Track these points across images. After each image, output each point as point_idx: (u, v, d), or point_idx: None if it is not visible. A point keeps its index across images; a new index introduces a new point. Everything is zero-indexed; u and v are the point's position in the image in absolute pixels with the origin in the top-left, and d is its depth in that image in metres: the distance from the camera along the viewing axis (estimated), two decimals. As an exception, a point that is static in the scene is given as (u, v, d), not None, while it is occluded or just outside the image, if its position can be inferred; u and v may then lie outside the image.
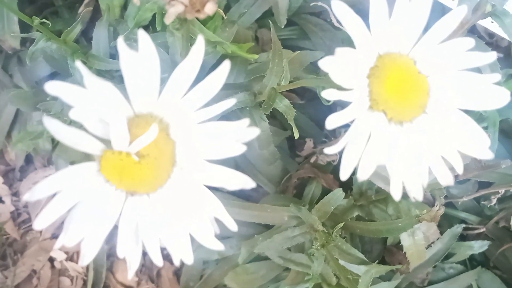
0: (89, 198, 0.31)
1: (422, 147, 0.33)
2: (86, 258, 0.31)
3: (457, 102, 0.33)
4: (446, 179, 0.32)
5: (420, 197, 0.32)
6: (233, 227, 0.31)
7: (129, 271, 0.31)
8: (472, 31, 0.76)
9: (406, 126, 0.33)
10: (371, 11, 0.31)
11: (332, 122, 0.30)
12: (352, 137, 0.31)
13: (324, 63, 0.30)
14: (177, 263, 0.31)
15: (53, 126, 0.27)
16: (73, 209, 0.30)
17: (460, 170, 0.32)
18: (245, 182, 0.30)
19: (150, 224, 0.31)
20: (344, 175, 0.31)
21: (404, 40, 0.32)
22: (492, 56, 0.32)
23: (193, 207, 0.31)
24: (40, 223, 0.29)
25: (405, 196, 0.63)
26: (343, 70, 0.30)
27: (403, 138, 0.33)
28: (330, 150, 0.31)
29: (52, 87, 0.28)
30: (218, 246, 0.31)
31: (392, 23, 0.32)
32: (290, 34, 0.75)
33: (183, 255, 0.31)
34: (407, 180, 0.32)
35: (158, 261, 0.31)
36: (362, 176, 0.31)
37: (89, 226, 0.30)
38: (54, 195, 0.30)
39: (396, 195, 0.32)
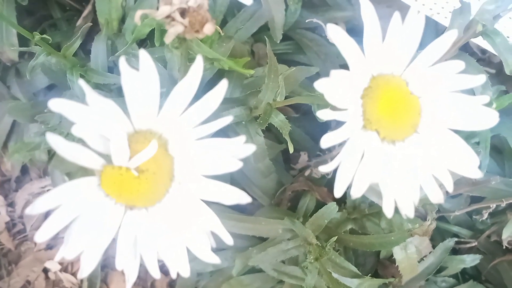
0: (89, 211, 0.31)
1: (414, 165, 0.34)
2: (86, 270, 0.31)
3: (448, 123, 0.34)
4: (437, 197, 0.33)
5: (411, 214, 0.33)
6: (229, 241, 0.31)
7: (127, 284, 0.32)
8: (465, 47, 0.77)
9: (399, 145, 0.34)
10: (365, 34, 0.32)
11: (327, 141, 0.31)
12: (346, 156, 0.32)
13: (320, 85, 0.30)
14: (174, 275, 0.32)
15: (55, 141, 0.28)
16: (73, 222, 0.31)
17: (450, 188, 0.33)
18: (241, 197, 0.31)
19: (148, 237, 0.32)
20: (338, 193, 0.32)
21: (397, 62, 0.33)
22: (481, 78, 0.33)
23: (190, 221, 0.32)
24: (41, 236, 0.30)
25: (397, 210, 0.64)
26: (337, 91, 0.31)
27: (395, 157, 0.33)
28: (324, 168, 0.32)
29: (55, 104, 0.28)
30: (214, 259, 0.32)
31: (385, 45, 0.33)
32: (285, 48, 0.77)
33: (180, 268, 0.32)
34: (399, 198, 0.33)
35: (156, 273, 0.32)
36: (356, 193, 0.32)
37: (89, 239, 0.31)
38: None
39: (389, 213, 0.32)
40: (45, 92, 0.73)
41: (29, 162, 0.77)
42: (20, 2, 0.64)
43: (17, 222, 0.82)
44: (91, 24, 0.62)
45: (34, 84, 0.71)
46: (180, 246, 0.32)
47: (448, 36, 0.32)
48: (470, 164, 0.34)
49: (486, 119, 0.34)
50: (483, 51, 0.80)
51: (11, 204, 0.82)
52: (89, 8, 0.72)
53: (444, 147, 0.34)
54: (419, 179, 0.33)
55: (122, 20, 0.68)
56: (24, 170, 0.82)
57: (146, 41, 0.66)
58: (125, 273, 0.32)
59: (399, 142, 0.34)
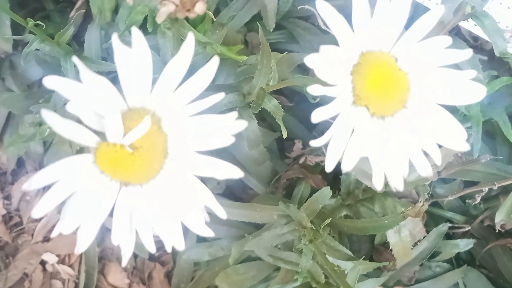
0: (85, 188, 0.32)
1: (403, 139, 0.34)
2: (82, 245, 0.32)
3: (436, 97, 0.35)
4: (425, 170, 0.34)
5: (400, 188, 0.33)
6: (222, 215, 0.32)
7: (123, 259, 0.32)
8: (458, 34, 0.78)
9: (388, 120, 0.35)
10: (353, 11, 0.33)
11: (317, 115, 0.32)
12: (336, 131, 0.33)
13: (310, 60, 0.31)
14: (169, 249, 0.32)
15: (51, 118, 0.29)
16: (70, 198, 0.32)
17: (438, 161, 0.34)
18: (234, 172, 0.31)
19: (143, 213, 0.33)
20: (329, 167, 0.33)
21: (385, 39, 0.34)
22: (468, 53, 0.33)
23: (184, 196, 0.32)
24: (38, 211, 0.30)
25: (391, 194, 0.65)
26: (327, 67, 0.32)
27: (384, 132, 0.34)
28: (315, 142, 0.32)
29: (50, 81, 0.29)
30: (209, 232, 0.32)
31: (373, 23, 0.33)
32: (278, 37, 0.77)
33: (175, 242, 0.32)
34: (388, 172, 0.33)
35: (151, 248, 0.33)
36: (346, 167, 0.33)
37: (85, 215, 0.32)
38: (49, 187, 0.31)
39: (378, 186, 0.33)
40: (39, 84, 0.73)
41: (24, 155, 0.77)
42: (12, -6, 0.64)
43: (14, 215, 0.82)
44: (84, 11, 0.62)
45: (28, 76, 0.71)
46: (175, 221, 0.32)
47: (434, 11, 0.33)
48: (458, 137, 0.34)
49: (474, 93, 0.34)
50: (475, 39, 0.81)
51: (7, 197, 0.82)
52: (81, -1, 0.72)
53: (433, 122, 0.35)
54: (408, 153, 0.34)
55: (115, 11, 0.69)
56: (20, 163, 0.82)
57: (139, 30, 0.66)
58: (121, 248, 0.32)
59: (388, 117, 0.35)
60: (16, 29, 0.66)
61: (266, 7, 0.69)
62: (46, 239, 0.82)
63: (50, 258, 0.81)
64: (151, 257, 0.82)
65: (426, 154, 0.35)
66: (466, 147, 0.34)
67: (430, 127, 0.34)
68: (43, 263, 0.81)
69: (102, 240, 0.79)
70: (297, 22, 0.75)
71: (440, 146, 0.35)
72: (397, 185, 0.33)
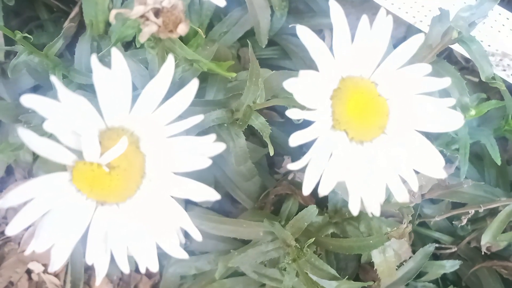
0: (61, 206, 0.32)
1: (381, 165, 0.34)
2: (56, 264, 0.32)
3: (415, 124, 0.35)
4: (402, 196, 0.34)
5: (377, 213, 0.33)
6: (197, 237, 0.32)
7: (97, 278, 0.32)
8: (449, 56, 0.78)
9: (366, 146, 0.35)
10: (334, 37, 0.33)
11: (295, 139, 0.32)
12: (314, 154, 0.33)
13: (289, 84, 0.31)
14: (142, 270, 0.32)
15: (27, 136, 0.29)
16: (45, 216, 0.31)
17: (415, 188, 0.34)
18: (210, 194, 0.31)
19: (118, 232, 0.33)
20: (306, 190, 0.33)
21: (365, 65, 0.34)
22: (446, 81, 0.33)
23: (160, 217, 0.32)
24: (12, 229, 0.30)
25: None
26: (306, 91, 0.32)
27: (363, 157, 0.34)
28: (293, 166, 0.32)
29: (27, 100, 0.29)
30: (182, 255, 0.32)
31: (354, 48, 0.33)
32: (271, 53, 0.77)
33: (149, 263, 0.32)
34: (365, 196, 0.33)
35: (125, 268, 0.33)
36: (323, 191, 0.33)
37: (60, 233, 0.32)
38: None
39: (354, 210, 0.33)
40: (30, 93, 0.73)
41: (13, 163, 0.77)
42: (6, 3, 0.64)
43: (1, 222, 0.82)
44: (76, 25, 0.63)
45: (19, 85, 0.71)
46: (150, 242, 0.32)
47: (415, 39, 0.33)
48: (435, 165, 0.34)
49: (452, 121, 0.35)
50: (467, 60, 0.81)
51: (-5, 204, 0.82)
52: (76, 10, 0.72)
53: (411, 148, 0.35)
54: (386, 179, 0.34)
55: (109, 22, 0.69)
56: (9, 170, 0.82)
57: (131, 44, 0.67)
58: (95, 267, 0.32)
59: (367, 143, 0.35)
60: (10, 38, 0.66)
61: (259, 23, 0.69)
62: (34, 248, 0.82)
63: (36, 267, 0.81)
64: (138, 269, 0.82)
65: (404, 180, 0.35)
66: (443, 175, 0.34)
67: (408, 154, 0.35)
68: (29, 272, 0.81)
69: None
70: (290, 39, 0.76)
71: (417, 172, 0.35)
72: (374, 210, 0.33)
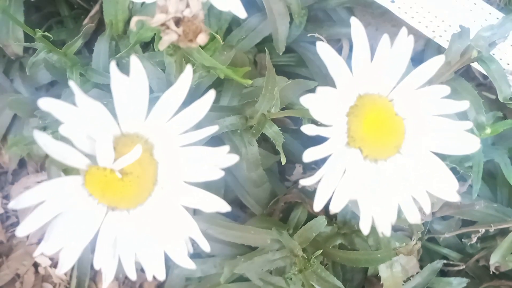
0: (72, 209, 0.32)
1: (394, 185, 0.34)
2: (64, 267, 0.32)
3: (430, 145, 0.35)
4: (414, 218, 0.34)
5: (388, 233, 0.33)
6: (206, 247, 0.32)
7: (104, 283, 0.32)
8: (467, 72, 0.77)
9: (381, 164, 0.35)
10: (354, 54, 0.33)
11: (309, 155, 0.32)
12: (327, 171, 0.33)
13: (306, 100, 0.31)
14: (149, 278, 0.32)
15: (42, 139, 0.29)
16: (56, 219, 0.32)
17: (427, 210, 0.34)
18: (221, 206, 0.31)
19: (127, 238, 0.33)
20: (317, 206, 0.33)
21: (384, 83, 0.34)
22: (464, 104, 0.33)
23: (169, 226, 0.32)
24: (23, 230, 0.30)
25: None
26: (323, 107, 0.32)
27: (376, 176, 0.34)
28: (305, 182, 0.32)
29: (45, 103, 0.29)
30: (190, 265, 0.32)
31: (373, 66, 0.33)
32: (288, 60, 0.77)
33: (156, 271, 0.32)
34: (377, 216, 0.33)
35: (132, 275, 0.33)
36: (334, 208, 0.33)
37: (69, 236, 0.32)
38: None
39: (365, 230, 0.33)
40: (47, 88, 0.74)
41: (26, 156, 0.78)
42: (28, -2, 0.65)
43: (11, 215, 0.82)
44: (95, 24, 0.63)
45: (36, 80, 0.72)
46: (158, 250, 0.32)
47: (434, 61, 0.33)
48: (449, 188, 0.34)
49: (468, 144, 0.34)
50: (485, 77, 0.80)
51: (6, 197, 0.82)
52: (96, 8, 0.72)
53: (425, 169, 0.35)
54: (398, 199, 0.34)
55: (128, 22, 0.69)
56: (22, 163, 0.82)
57: (149, 45, 0.67)
58: (102, 272, 0.32)
59: (381, 161, 0.35)
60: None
61: (277, 30, 0.69)
62: (41, 241, 0.82)
63: (43, 261, 0.81)
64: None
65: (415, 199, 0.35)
66: (456, 198, 0.34)
67: (422, 175, 0.34)
68: (36, 265, 0.82)
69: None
70: (308, 46, 0.76)
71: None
72: (384, 230, 0.33)
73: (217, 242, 0.72)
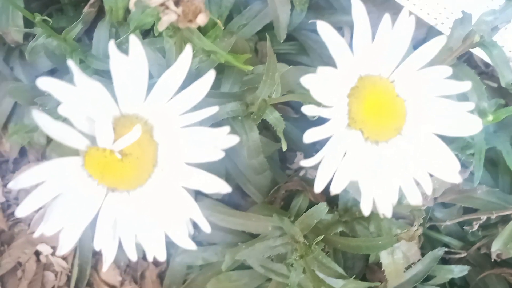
0: (71, 190, 0.32)
1: (395, 167, 0.34)
2: (64, 248, 0.32)
3: (432, 127, 0.35)
4: (415, 199, 0.34)
5: (388, 214, 0.33)
6: (206, 228, 0.32)
7: (104, 264, 0.32)
8: (469, 60, 0.77)
9: (381, 146, 0.34)
10: (355, 34, 0.32)
11: (310, 136, 0.32)
12: (328, 152, 0.33)
13: (306, 80, 0.31)
14: (150, 259, 0.32)
15: (41, 119, 0.29)
16: (55, 200, 0.32)
17: (429, 191, 0.33)
18: (221, 187, 0.31)
19: (127, 220, 0.33)
20: (318, 188, 0.33)
21: (385, 64, 0.34)
22: (467, 85, 0.33)
23: (170, 207, 0.32)
24: (23, 210, 0.30)
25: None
26: (323, 88, 0.32)
27: (377, 157, 0.34)
28: (306, 163, 0.32)
29: (44, 83, 0.29)
30: (191, 245, 0.32)
31: (374, 47, 0.33)
32: (289, 48, 0.77)
33: (156, 253, 0.32)
34: (378, 197, 0.33)
35: (132, 256, 0.33)
36: (335, 190, 0.32)
37: (69, 217, 0.32)
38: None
39: (366, 211, 0.33)
40: (47, 76, 0.73)
41: (27, 145, 0.78)
42: (28, -15, 0.65)
43: (12, 203, 0.82)
44: (95, 10, 0.63)
45: (36, 67, 0.72)
46: (158, 231, 0.32)
47: (436, 41, 0.33)
48: (450, 169, 0.34)
49: (469, 126, 0.34)
50: (487, 65, 0.80)
51: (7, 185, 0.82)
52: (96, -6, 0.72)
53: (426, 151, 0.34)
54: (399, 180, 0.34)
55: (128, 10, 0.69)
56: (23, 152, 0.82)
57: (150, 32, 0.66)
58: (103, 253, 0.32)
59: (382, 143, 0.34)
60: (29, 19, 0.67)
61: (278, 17, 0.69)
62: (43, 229, 0.82)
63: (45, 249, 0.81)
64: (145, 257, 0.82)
65: (418, 183, 0.35)
66: (458, 179, 0.33)
67: (424, 156, 0.34)
68: (37, 253, 0.82)
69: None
70: (309, 34, 0.75)
71: (431, 176, 0.34)
72: (385, 212, 0.33)
73: (219, 230, 0.72)
